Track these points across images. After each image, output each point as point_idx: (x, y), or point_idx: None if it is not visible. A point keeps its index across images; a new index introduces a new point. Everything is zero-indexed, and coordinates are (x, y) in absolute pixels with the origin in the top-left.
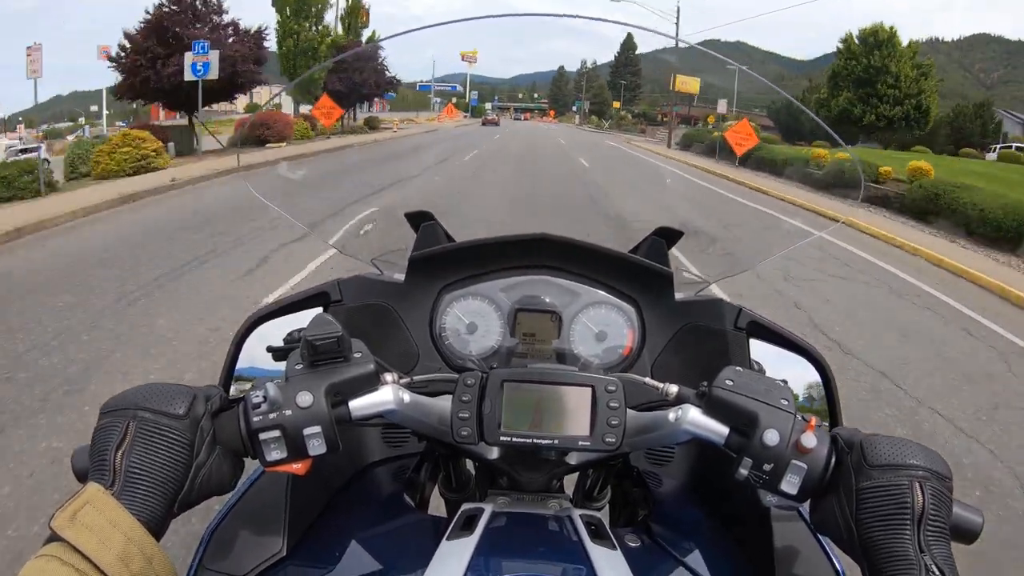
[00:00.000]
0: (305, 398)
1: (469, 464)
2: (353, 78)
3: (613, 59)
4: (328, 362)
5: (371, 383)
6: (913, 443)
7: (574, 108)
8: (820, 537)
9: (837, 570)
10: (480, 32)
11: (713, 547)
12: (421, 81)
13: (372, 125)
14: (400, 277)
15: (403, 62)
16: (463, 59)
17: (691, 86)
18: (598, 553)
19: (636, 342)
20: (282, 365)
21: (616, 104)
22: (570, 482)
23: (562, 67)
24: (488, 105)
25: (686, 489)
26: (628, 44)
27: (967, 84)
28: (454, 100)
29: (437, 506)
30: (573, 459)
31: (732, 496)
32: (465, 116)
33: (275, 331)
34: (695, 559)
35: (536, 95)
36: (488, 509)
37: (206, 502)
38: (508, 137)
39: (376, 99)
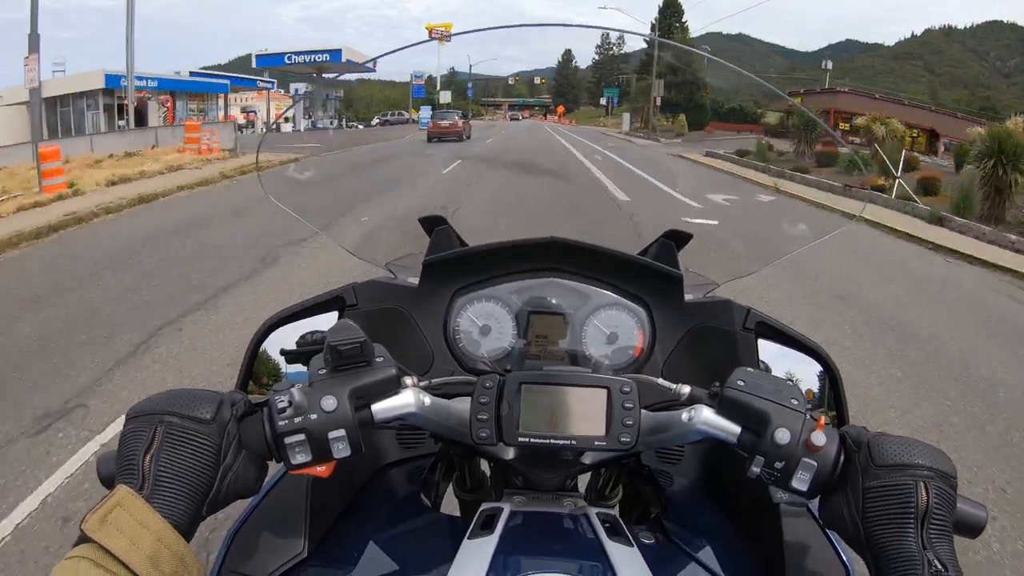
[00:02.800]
0: (329, 402)
1: (483, 464)
2: None
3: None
4: (351, 367)
5: (393, 387)
6: (919, 443)
7: (603, 101)
8: (829, 534)
9: (845, 565)
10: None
11: (725, 543)
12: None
13: None
14: (414, 281)
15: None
16: (431, 36)
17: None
18: (615, 550)
19: (646, 343)
20: (294, 368)
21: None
22: (582, 481)
23: (569, 51)
24: (442, 98)
25: (696, 487)
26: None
27: (984, 72)
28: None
29: (451, 506)
30: (588, 458)
31: (742, 493)
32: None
33: (290, 334)
34: (707, 555)
35: (538, 80)
36: (507, 508)
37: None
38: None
39: None
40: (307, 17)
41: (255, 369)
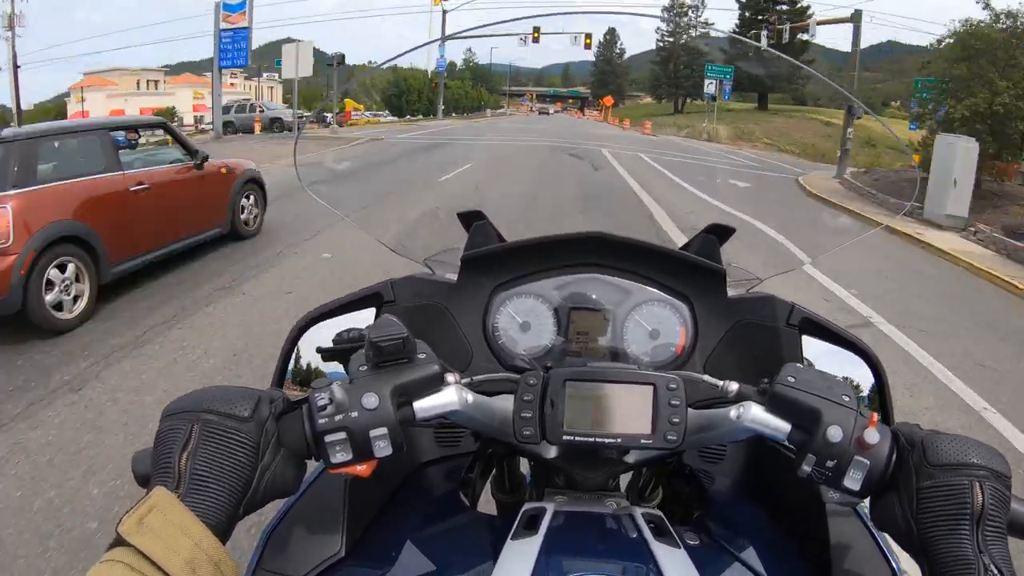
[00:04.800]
0: (371, 399)
1: (522, 465)
2: None
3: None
4: (393, 363)
5: (435, 384)
6: (974, 441)
7: (709, 88)
8: (876, 535)
9: (893, 568)
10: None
11: (769, 544)
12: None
13: None
14: (453, 277)
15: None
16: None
17: None
18: (662, 551)
19: (689, 340)
20: (330, 367)
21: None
22: (623, 481)
23: (613, 31)
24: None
25: (739, 487)
26: None
27: None
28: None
29: (487, 507)
30: (631, 457)
31: (786, 493)
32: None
33: (326, 332)
34: (751, 556)
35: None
36: (550, 508)
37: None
38: None
39: None
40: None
41: (292, 368)
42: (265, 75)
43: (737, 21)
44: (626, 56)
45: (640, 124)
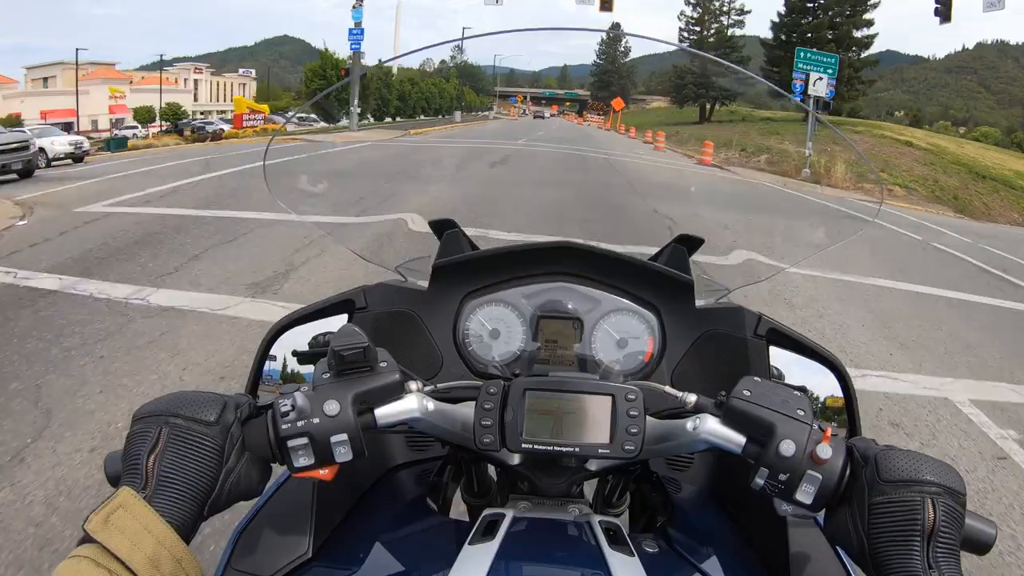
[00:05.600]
0: (332, 407)
1: (491, 469)
2: None
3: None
4: (354, 371)
5: (396, 392)
6: (927, 458)
7: (798, 80)
8: (836, 547)
9: None
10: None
11: (730, 554)
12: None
13: None
14: (424, 284)
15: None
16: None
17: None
18: (616, 560)
19: (657, 349)
20: (309, 368)
21: None
22: (590, 487)
23: (617, 26)
24: None
25: (704, 495)
26: None
27: None
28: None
29: (460, 510)
30: (593, 465)
31: (750, 503)
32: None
33: (301, 336)
34: (712, 565)
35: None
36: (509, 515)
37: (234, 505)
38: None
39: None
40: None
41: (269, 370)
42: (241, 71)
43: (782, 9)
44: (631, 56)
45: (646, 132)
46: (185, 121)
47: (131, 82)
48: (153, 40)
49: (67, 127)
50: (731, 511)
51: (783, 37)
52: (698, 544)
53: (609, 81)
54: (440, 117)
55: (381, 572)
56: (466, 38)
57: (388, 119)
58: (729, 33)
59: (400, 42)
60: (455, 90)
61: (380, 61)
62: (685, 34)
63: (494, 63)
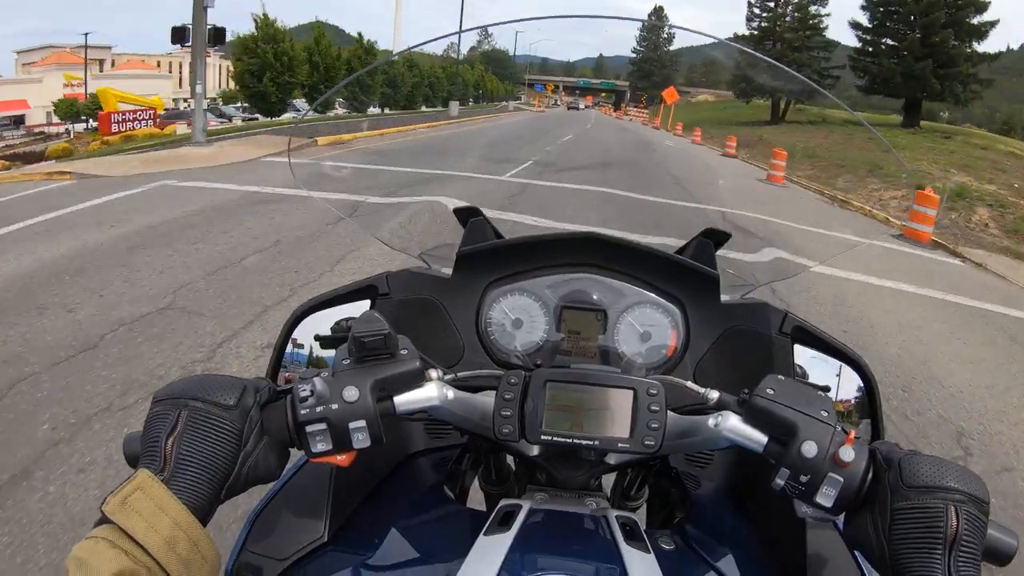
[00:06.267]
0: (351, 393)
1: (510, 458)
2: None
3: None
4: (374, 358)
5: (416, 379)
6: (952, 465)
7: None
8: (855, 552)
9: None
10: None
11: (746, 553)
12: None
13: None
14: (448, 272)
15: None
16: None
17: None
18: (631, 555)
19: (680, 343)
20: (330, 353)
21: None
22: (608, 481)
23: (659, 10)
24: None
25: (723, 493)
26: None
27: None
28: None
29: (478, 498)
30: (612, 459)
31: (769, 503)
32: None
33: (323, 320)
34: (728, 564)
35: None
36: (526, 506)
37: (251, 488)
38: None
39: None
40: None
41: (291, 354)
42: (216, 47)
43: None
44: (674, 45)
45: (727, 140)
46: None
47: (110, 65)
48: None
49: (18, 121)
50: (750, 510)
51: (878, 20)
52: (715, 542)
53: (650, 71)
54: (433, 110)
55: (396, 558)
56: (493, 24)
57: (375, 109)
58: (812, 11)
59: (400, 25)
60: (474, 77)
61: (391, 53)
62: (756, 9)
63: (514, 45)
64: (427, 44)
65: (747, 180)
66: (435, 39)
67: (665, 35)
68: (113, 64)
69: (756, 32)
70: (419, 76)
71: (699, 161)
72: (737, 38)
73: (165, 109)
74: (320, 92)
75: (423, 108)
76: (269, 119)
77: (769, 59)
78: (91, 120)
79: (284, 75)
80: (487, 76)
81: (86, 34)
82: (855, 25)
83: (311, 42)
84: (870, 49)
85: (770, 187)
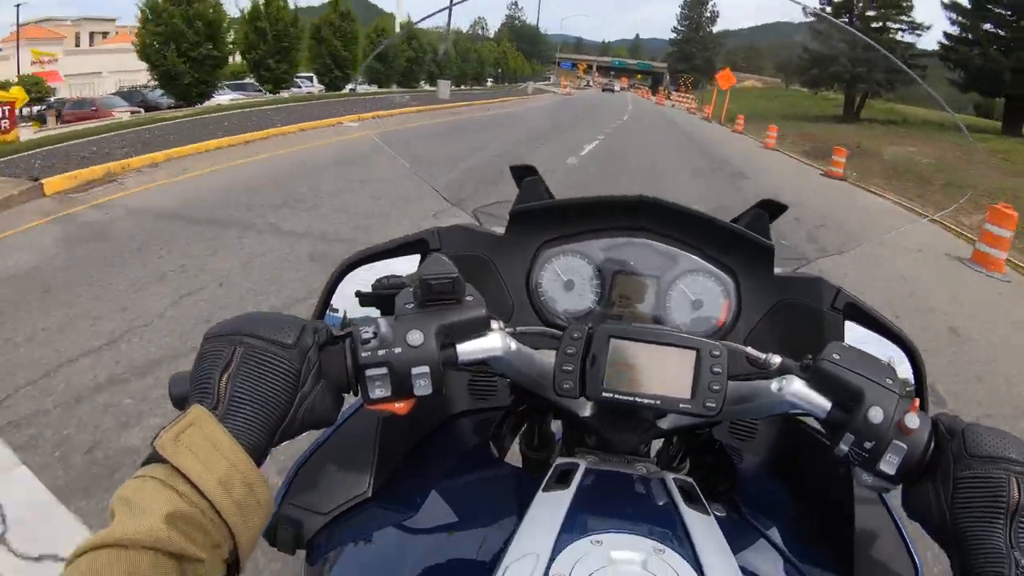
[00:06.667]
0: (415, 336)
1: (554, 424)
2: None
3: None
4: (440, 303)
5: (481, 328)
6: (1013, 437)
7: None
8: (901, 528)
9: (915, 562)
10: None
11: (794, 525)
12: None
13: None
14: (500, 230)
15: None
16: None
17: None
18: (692, 517)
19: (731, 313)
20: (364, 312)
21: None
22: (652, 449)
23: None
24: None
25: (767, 466)
26: None
27: None
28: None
29: (514, 462)
30: (666, 423)
31: (815, 477)
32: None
33: (364, 277)
34: (776, 534)
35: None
36: (583, 465)
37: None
38: None
39: None
40: None
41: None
42: None
43: None
44: (717, 26)
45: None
46: (55, 101)
47: (105, 38)
48: None
49: None
50: (794, 485)
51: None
52: (762, 513)
53: (691, 53)
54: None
55: (439, 516)
56: None
57: (374, 85)
58: None
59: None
60: (494, 55)
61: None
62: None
63: (537, 15)
64: (432, 16)
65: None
66: (434, 13)
67: (708, 13)
68: (114, 35)
69: (828, 7)
70: (418, 50)
71: (810, 193)
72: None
73: (47, 101)
74: (269, 69)
75: (426, 86)
76: (182, 107)
77: (861, 35)
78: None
79: (200, 48)
80: (511, 53)
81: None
82: (951, 6)
83: (258, 5)
84: (968, 36)
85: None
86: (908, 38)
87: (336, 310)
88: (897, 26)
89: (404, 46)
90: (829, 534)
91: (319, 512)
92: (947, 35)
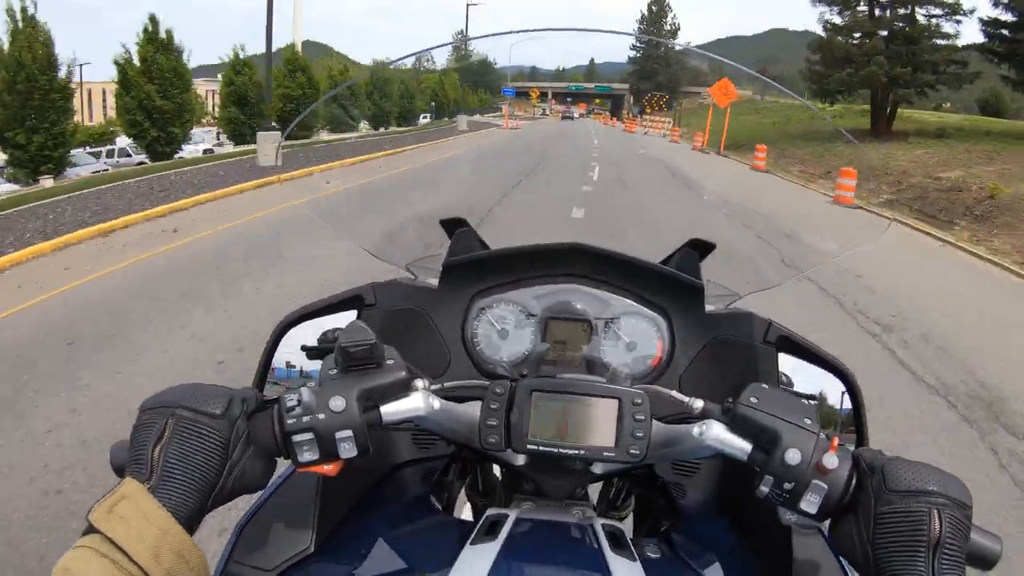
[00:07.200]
0: (338, 403)
1: (496, 469)
2: None
3: None
4: (361, 368)
5: (402, 389)
6: (935, 469)
7: None
8: (840, 559)
9: None
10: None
11: (733, 561)
12: None
13: None
14: (434, 282)
15: None
16: None
17: None
18: (617, 563)
19: (665, 353)
20: (317, 364)
21: None
22: (595, 490)
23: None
24: None
25: (710, 502)
26: None
27: None
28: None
29: (465, 510)
30: (598, 468)
31: (755, 511)
32: None
33: (310, 331)
34: (714, 572)
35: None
36: (512, 515)
37: (237, 498)
38: None
39: None
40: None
41: (277, 365)
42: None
43: None
44: (679, 38)
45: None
46: None
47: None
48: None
49: None
50: (736, 519)
51: None
52: (701, 551)
53: (654, 70)
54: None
55: (383, 568)
56: (474, 38)
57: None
58: None
59: (301, 24)
60: (431, 86)
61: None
62: None
63: (486, 60)
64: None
65: None
66: (435, 47)
67: (668, 27)
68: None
69: None
70: (304, 86)
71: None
72: None
73: None
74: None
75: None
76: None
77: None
78: None
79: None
80: (449, 84)
81: None
82: None
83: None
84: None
85: None
86: (947, 27)
87: (293, 366)
88: (930, 11)
89: (283, 79)
90: (769, 568)
91: (263, 569)
92: (991, 22)
